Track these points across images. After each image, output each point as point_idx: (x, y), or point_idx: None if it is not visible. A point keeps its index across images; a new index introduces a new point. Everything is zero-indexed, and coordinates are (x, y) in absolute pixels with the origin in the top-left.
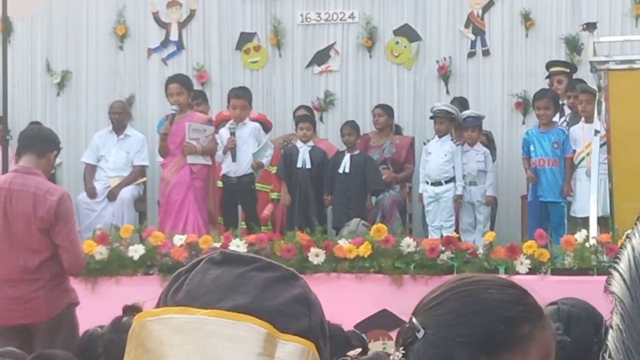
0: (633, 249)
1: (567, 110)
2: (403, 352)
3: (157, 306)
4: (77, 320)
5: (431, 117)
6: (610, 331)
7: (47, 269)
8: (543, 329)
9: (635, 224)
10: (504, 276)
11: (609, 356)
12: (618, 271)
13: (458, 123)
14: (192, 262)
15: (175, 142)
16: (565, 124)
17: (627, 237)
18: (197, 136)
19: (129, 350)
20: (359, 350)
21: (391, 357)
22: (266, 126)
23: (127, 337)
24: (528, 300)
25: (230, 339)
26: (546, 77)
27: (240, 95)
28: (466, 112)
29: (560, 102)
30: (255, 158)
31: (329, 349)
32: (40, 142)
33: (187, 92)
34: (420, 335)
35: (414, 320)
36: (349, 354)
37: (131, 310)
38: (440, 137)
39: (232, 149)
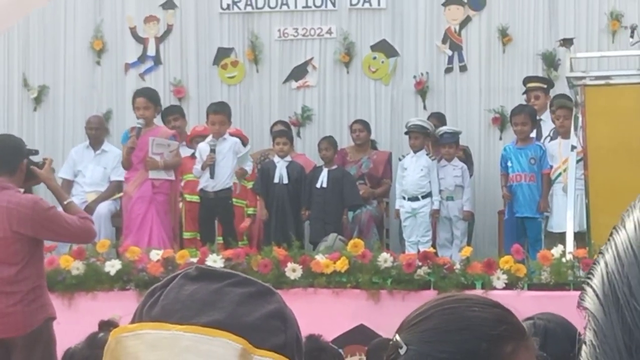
0: (606, 265)
1: (551, 125)
2: None
3: (133, 322)
4: (55, 335)
5: (406, 133)
6: (584, 347)
7: (24, 282)
8: (526, 349)
9: (608, 239)
10: (480, 292)
11: None
12: (591, 287)
13: (435, 138)
14: (167, 277)
15: (138, 156)
16: (549, 139)
17: (600, 252)
18: (161, 151)
19: None
20: None
21: None
22: (243, 141)
23: (102, 353)
24: (512, 319)
25: (205, 354)
26: (523, 93)
27: (219, 111)
28: (443, 128)
29: (538, 118)
30: (239, 163)
31: None
32: (8, 161)
33: (153, 106)
34: (402, 351)
35: (397, 337)
36: None
37: (107, 325)
38: (415, 152)
39: (211, 166)
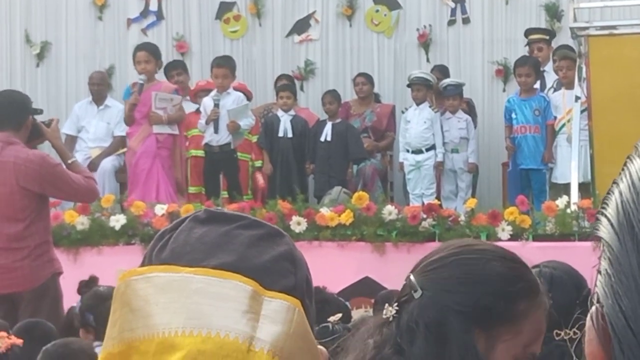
0: (621, 194)
1: (554, 76)
2: (397, 308)
3: (142, 265)
4: (61, 290)
5: (408, 85)
6: (599, 276)
7: (31, 238)
8: (538, 307)
9: (623, 169)
10: None
11: (597, 301)
12: (606, 216)
13: (438, 91)
14: (176, 220)
15: (142, 111)
16: (552, 90)
17: (615, 182)
18: (164, 105)
19: (114, 309)
20: (339, 315)
21: (384, 312)
22: (247, 96)
23: (109, 305)
24: (528, 276)
25: (215, 297)
26: (525, 45)
27: (222, 64)
28: (446, 81)
29: (541, 69)
30: (231, 116)
31: (314, 307)
32: (13, 116)
33: (155, 60)
34: (417, 295)
35: (412, 278)
36: (329, 319)
37: (87, 285)
38: (418, 104)
39: (215, 120)
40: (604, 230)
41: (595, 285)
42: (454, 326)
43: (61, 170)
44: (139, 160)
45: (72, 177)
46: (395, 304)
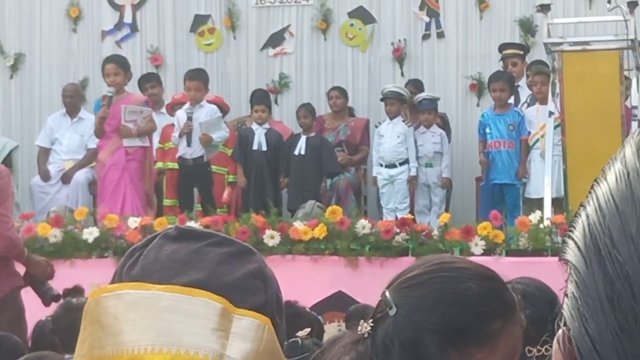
0: (587, 217)
1: (528, 91)
2: (372, 324)
3: (113, 282)
4: (23, 304)
5: (382, 99)
6: (565, 299)
7: None
8: (514, 324)
9: (590, 192)
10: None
11: (564, 324)
12: (573, 239)
13: (412, 105)
14: (147, 237)
15: (111, 124)
16: (526, 105)
17: (582, 205)
18: (134, 118)
19: (85, 326)
20: (308, 330)
21: (359, 328)
22: (223, 109)
23: (78, 316)
24: (505, 295)
25: (185, 314)
26: (500, 60)
27: (194, 77)
28: (421, 95)
29: (516, 84)
30: (203, 129)
31: (284, 324)
32: None
33: (124, 72)
34: (392, 312)
35: (387, 294)
36: (298, 334)
37: (72, 293)
38: (391, 118)
39: (187, 134)
40: (571, 253)
41: (562, 307)
42: (430, 346)
43: (7, 192)
44: (108, 172)
45: (9, 208)
46: (370, 320)
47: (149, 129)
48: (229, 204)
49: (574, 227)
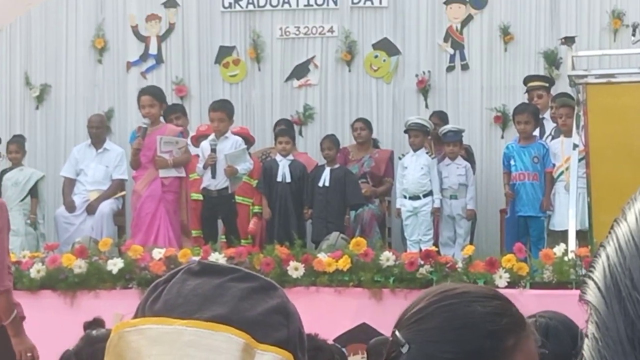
0: (608, 257)
1: (552, 124)
2: None
3: (135, 317)
4: (9, 339)
5: (405, 131)
6: (586, 340)
7: None
8: (527, 338)
9: (610, 232)
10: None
11: None
12: (593, 280)
13: (437, 137)
14: (170, 272)
15: (147, 155)
16: (550, 137)
17: (602, 245)
18: (170, 149)
19: None
20: None
21: None
22: (249, 140)
23: (102, 348)
24: (512, 310)
25: (208, 349)
26: (525, 92)
27: (217, 109)
28: (447, 127)
29: (541, 117)
30: (228, 161)
31: (306, 358)
32: None
33: (159, 104)
34: (404, 350)
35: (397, 334)
36: None
37: (93, 325)
38: (415, 150)
39: (212, 165)
40: (591, 294)
41: (583, 349)
42: None
43: (5, 227)
44: (144, 203)
45: (6, 249)
46: None
47: (185, 160)
48: (254, 234)
49: (594, 268)
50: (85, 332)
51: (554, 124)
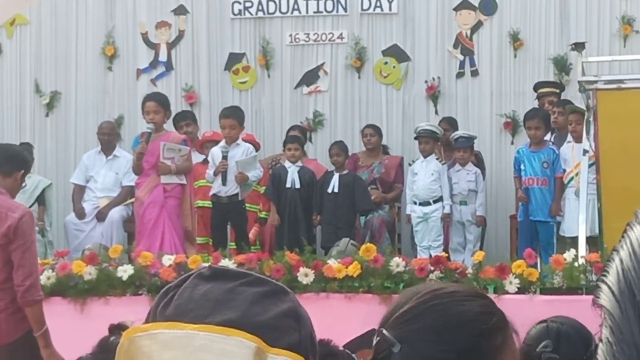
0: (621, 261)
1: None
2: None
3: (146, 322)
4: (37, 344)
5: (415, 138)
6: (600, 344)
7: (9, 290)
8: (511, 336)
9: (623, 236)
10: (493, 296)
11: None
12: (606, 284)
13: (447, 143)
14: (181, 277)
15: (149, 161)
16: (550, 143)
17: (615, 249)
18: (172, 155)
19: None
20: None
21: None
22: (255, 147)
23: (105, 355)
24: (496, 308)
25: (220, 353)
26: (536, 98)
27: (228, 115)
28: (457, 133)
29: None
30: (239, 168)
31: None
32: (7, 161)
33: (163, 111)
34: (396, 349)
35: (386, 333)
36: None
37: (118, 329)
38: (425, 157)
39: (223, 172)
40: (605, 298)
41: (597, 353)
42: None
43: (32, 236)
44: (146, 210)
45: (33, 254)
46: None
47: (187, 168)
48: (262, 241)
49: (608, 272)
50: (106, 336)
51: (555, 131)
